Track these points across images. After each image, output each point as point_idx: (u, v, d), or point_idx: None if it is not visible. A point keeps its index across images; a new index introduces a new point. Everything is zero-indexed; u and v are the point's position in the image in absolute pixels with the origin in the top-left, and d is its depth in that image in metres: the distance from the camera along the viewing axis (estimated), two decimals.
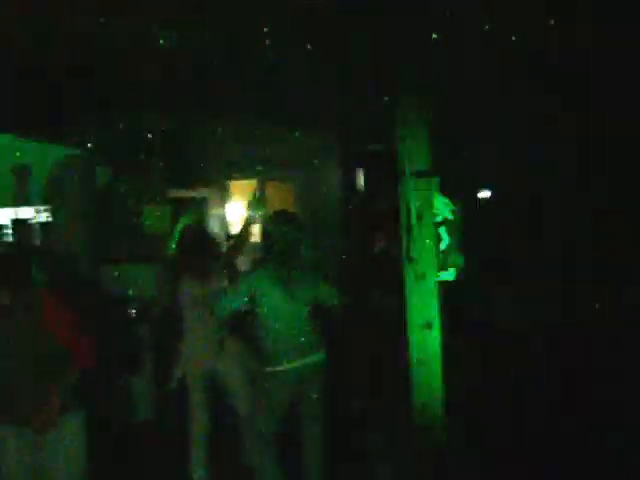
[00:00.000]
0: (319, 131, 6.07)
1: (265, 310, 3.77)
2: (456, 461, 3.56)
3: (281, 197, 6.55)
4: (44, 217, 6.29)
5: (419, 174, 3.37)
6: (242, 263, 4.67)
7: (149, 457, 5.11)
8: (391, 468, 4.31)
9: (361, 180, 6.44)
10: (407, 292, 3.43)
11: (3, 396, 3.02)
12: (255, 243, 4.60)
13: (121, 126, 5.97)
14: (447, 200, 3.62)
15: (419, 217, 3.37)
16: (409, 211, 3.37)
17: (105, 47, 5.13)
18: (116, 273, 6.29)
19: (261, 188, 6.54)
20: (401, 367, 3.61)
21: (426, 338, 3.40)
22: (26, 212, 6.30)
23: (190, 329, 4.28)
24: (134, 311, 6.34)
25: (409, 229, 3.38)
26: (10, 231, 6.29)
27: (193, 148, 6.37)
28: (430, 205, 3.41)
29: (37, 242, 6.34)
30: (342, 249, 6.27)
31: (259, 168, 6.39)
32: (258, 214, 4.40)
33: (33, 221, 6.30)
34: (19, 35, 5.12)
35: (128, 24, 4.63)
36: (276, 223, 3.86)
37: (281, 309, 3.77)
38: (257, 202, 4.44)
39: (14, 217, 6.29)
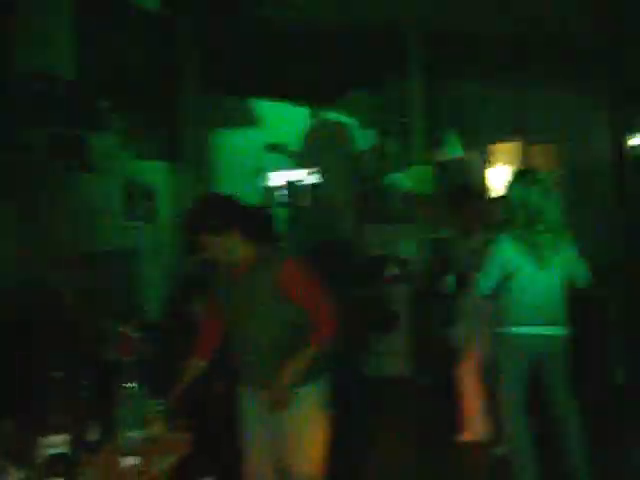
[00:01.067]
0: (589, 91, 5.98)
1: (516, 283, 3.55)
2: None
3: (545, 161, 6.51)
4: (314, 179, 6.83)
5: None
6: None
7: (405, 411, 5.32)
8: None
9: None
10: None
11: (241, 360, 2.87)
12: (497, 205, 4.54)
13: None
14: None
15: None
16: None
17: None
18: (375, 233, 6.63)
19: (525, 151, 6.58)
20: None
21: None
22: (299, 174, 6.89)
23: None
24: (392, 271, 6.62)
25: None
26: (285, 192, 6.92)
27: (458, 111, 6.58)
28: None
29: (307, 203, 6.88)
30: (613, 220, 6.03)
31: (522, 130, 6.42)
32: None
33: (304, 183, 6.87)
34: None
35: None
36: (520, 183, 3.63)
37: (533, 280, 3.53)
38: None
39: (288, 179, 6.92)
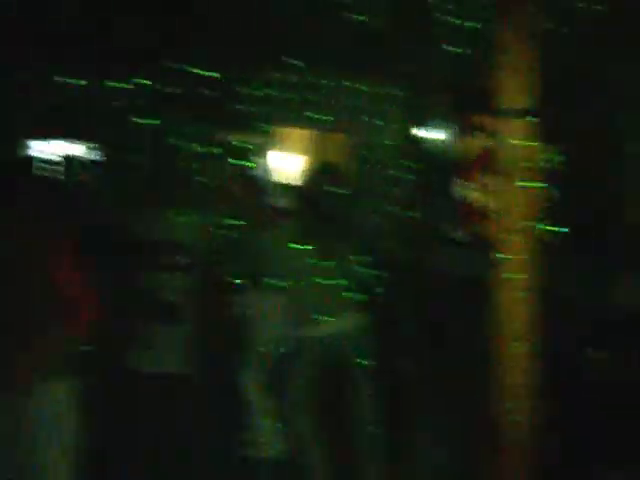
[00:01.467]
0: (385, 79, 6.03)
1: (302, 275, 3.53)
2: None
3: (339, 150, 6.50)
4: (95, 155, 6.32)
5: (516, 113, 2.87)
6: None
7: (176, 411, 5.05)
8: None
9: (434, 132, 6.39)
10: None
11: None
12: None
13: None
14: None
15: (511, 165, 2.90)
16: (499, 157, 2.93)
17: None
18: (158, 218, 6.26)
19: (319, 139, 6.52)
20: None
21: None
22: (79, 148, 6.32)
23: None
24: (174, 259, 6.30)
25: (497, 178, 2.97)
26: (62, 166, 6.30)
27: (248, 94, 6.38)
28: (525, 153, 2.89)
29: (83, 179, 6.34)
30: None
31: (317, 117, 6.35)
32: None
33: (83, 158, 6.32)
34: None
35: None
36: (314, 173, 3.65)
37: (320, 272, 3.51)
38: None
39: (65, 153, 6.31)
